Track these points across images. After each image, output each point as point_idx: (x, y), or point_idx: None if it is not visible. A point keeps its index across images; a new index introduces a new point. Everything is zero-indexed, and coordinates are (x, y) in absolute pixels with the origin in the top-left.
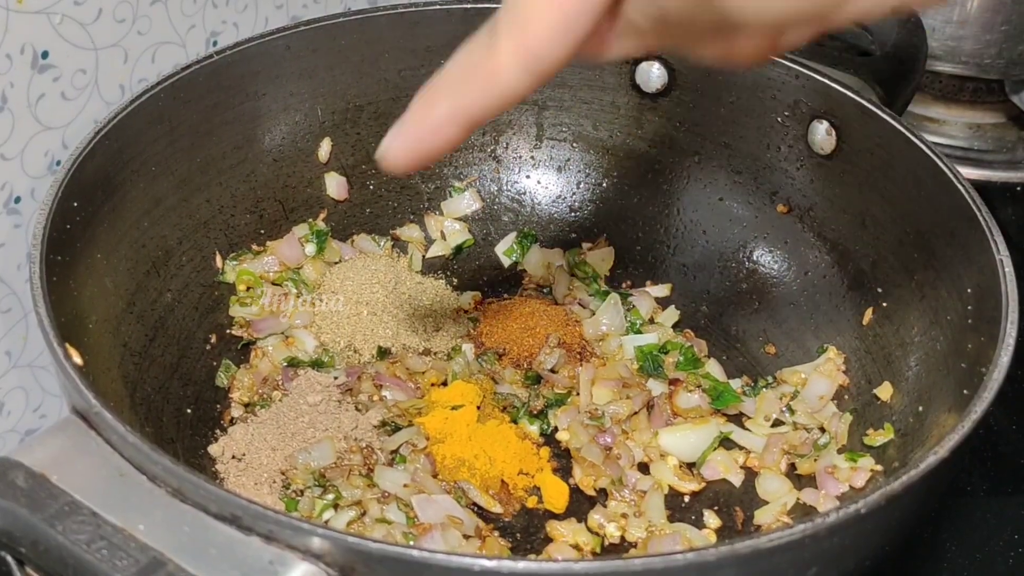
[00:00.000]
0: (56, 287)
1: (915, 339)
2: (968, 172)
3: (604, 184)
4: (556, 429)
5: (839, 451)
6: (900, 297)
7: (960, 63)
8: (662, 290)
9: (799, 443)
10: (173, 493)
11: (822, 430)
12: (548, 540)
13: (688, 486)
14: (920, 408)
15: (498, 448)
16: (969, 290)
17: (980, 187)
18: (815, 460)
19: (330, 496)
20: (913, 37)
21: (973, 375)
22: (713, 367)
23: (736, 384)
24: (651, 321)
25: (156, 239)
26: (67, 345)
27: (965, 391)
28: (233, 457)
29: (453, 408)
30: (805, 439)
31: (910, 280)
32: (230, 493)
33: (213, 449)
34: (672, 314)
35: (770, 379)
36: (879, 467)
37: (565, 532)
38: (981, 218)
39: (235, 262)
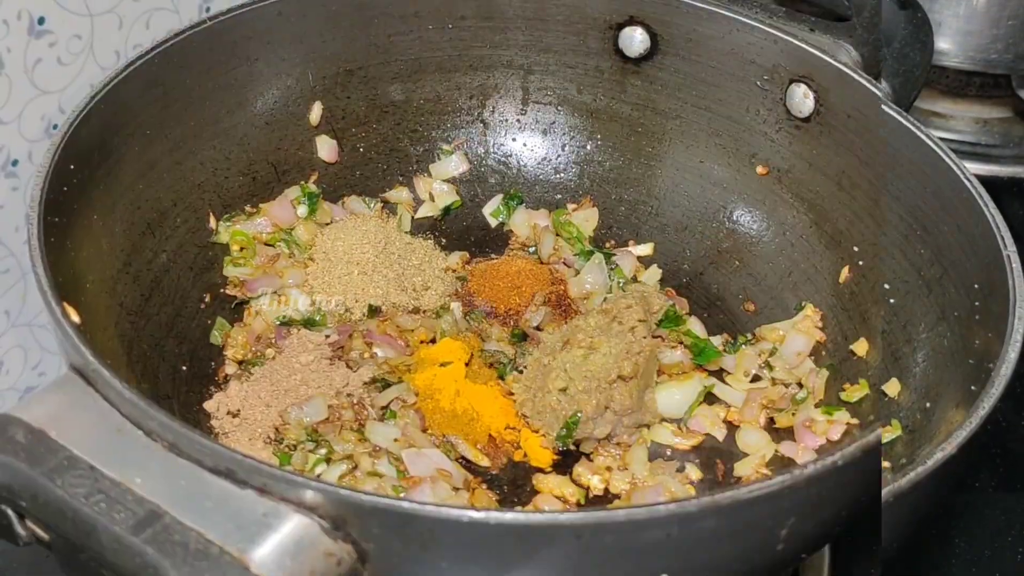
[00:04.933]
0: (53, 248)
1: (922, 335)
2: (975, 167)
3: (588, 147)
4: None
5: (816, 405)
6: (907, 293)
7: (967, 58)
8: (645, 249)
9: (778, 398)
10: (169, 448)
11: (800, 385)
12: (535, 492)
13: (687, 442)
14: (928, 404)
15: (486, 403)
16: (976, 286)
17: (987, 182)
18: (793, 414)
19: (322, 451)
20: (920, 32)
21: (981, 371)
22: (694, 324)
23: (717, 341)
24: (634, 279)
25: (151, 201)
26: (65, 304)
27: (973, 387)
28: (228, 413)
29: (442, 365)
30: (783, 394)
31: (917, 276)
32: (225, 448)
33: (208, 405)
34: (655, 272)
35: (749, 336)
36: (855, 420)
37: (551, 484)
38: (988, 213)
39: (229, 223)
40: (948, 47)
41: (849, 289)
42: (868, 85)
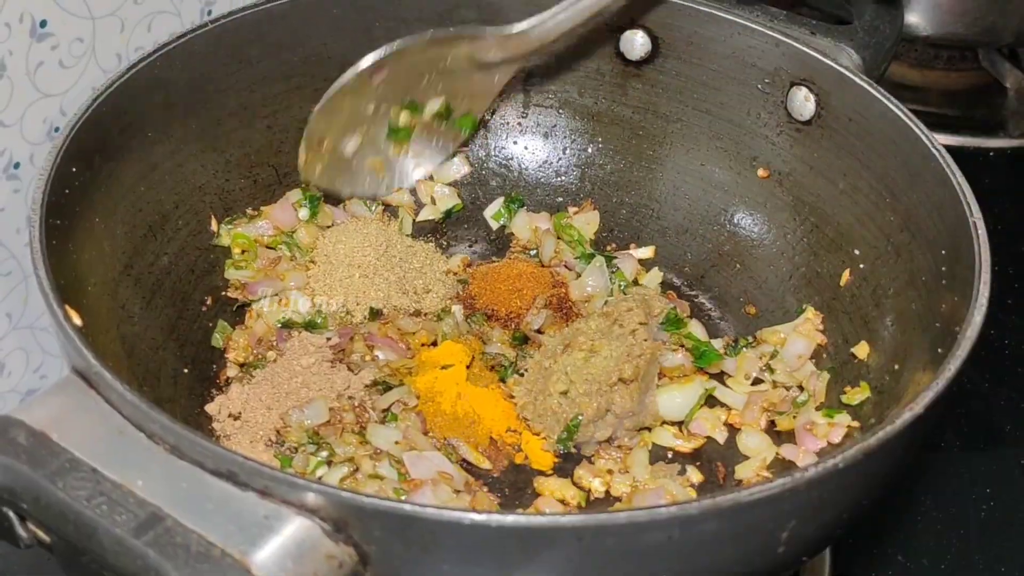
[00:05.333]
0: (55, 250)
1: (891, 299)
2: (943, 138)
3: (589, 150)
4: None
5: (817, 408)
6: (876, 258)
7: (936, 31)
8: (646, 252)
9: (778, 400)
10: (171, 450)
11: (800, 388)
12: (536, 495)
13: (688, 445)
14: (896, 366)
15: (487, 406)
16: (943, 251)
17: (955, 152)
18: (794, 417)
19: (323, 453)
20: (890, 5)
21: (947, 334)
22: (695, 327)
23: (718, 344)
24: (635, 283)
25: (152, 203)
26: (67, 307)
27: (939, 350)
28: (229, 415)
29: (443, 368)
30: (784, 397)
31: (886, 241)
32: (226, 450)
33: (210, 407)
34: (656, 275)
35: (750, 339)
36: (856, 423)
37: (552, 487)
38: (955, 182)
39: (230, 226)
40: (917, 20)
41: (850, 292)
42: (870, 88)
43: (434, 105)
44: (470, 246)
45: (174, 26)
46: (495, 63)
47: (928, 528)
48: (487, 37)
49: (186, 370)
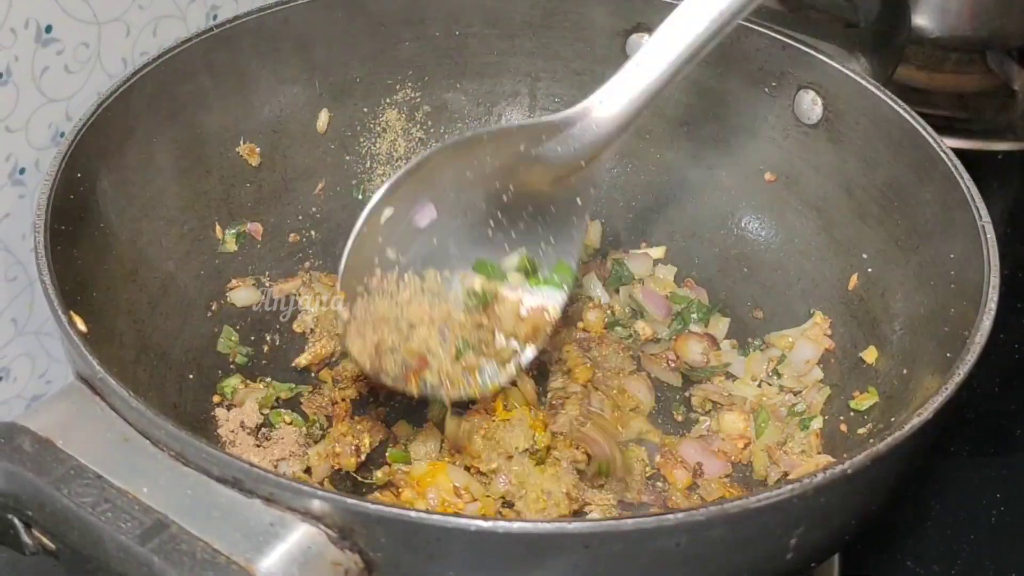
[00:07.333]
0: (60, 256)
1: (899, 304)
2: (951, 141)
3: None
4: None
5: (809, 420)
6: (885, 262)
7: (944, 34)
8: (658, 252)
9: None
10: (176, 457)
11: (795, 394)
12: None
13: None
14: (904, 371)
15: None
16: (952, 256)
17: (963, 155)
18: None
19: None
20: (897, 9)
21: (956, 339)
22: (719, 321)
23: (726, 346)
24: (641, 282)
25: (157, 209)
26: (71, 312)
27: (948, 354)
28: (241, 425)
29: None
30: (784, 401)
31: (894, 245)
32: (232, 457)
33: (218, 413)
34: (669, 270)
35: (759, 341)
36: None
37: None
38: (964, 185)
39: (234, 232)
40: (925, 22)
41: (858, 296)
42: (877, 91)
43: (511, 261)
44: None
45: (179, 31)
46: (568, 172)
47: (938, 533)
48: (550, 128)
49: (191, 376)
